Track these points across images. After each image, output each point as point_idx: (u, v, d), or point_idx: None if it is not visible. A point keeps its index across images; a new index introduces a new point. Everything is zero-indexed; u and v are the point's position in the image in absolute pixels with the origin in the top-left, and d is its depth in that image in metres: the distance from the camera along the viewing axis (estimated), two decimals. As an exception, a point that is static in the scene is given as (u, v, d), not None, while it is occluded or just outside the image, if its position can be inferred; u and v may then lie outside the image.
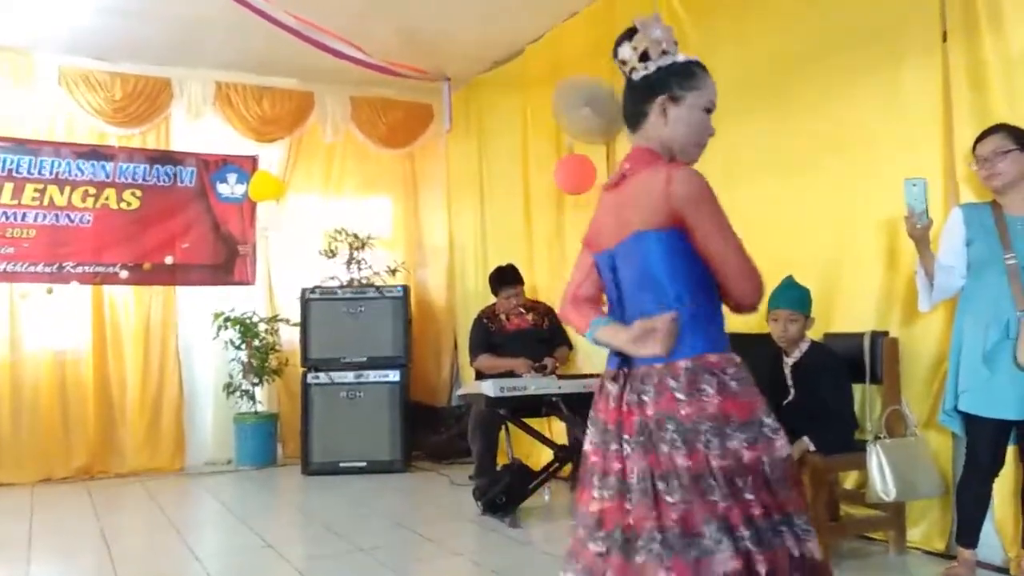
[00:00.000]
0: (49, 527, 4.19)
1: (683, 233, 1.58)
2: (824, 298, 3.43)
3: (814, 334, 3.35)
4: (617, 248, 1.68)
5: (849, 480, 3.50)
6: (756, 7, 3.91)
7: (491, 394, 3.99)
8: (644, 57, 1.67)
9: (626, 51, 1.69)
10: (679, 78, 1.65)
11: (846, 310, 3.49)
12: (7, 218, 5.35)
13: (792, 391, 3.30)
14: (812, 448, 3.07)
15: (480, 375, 4.76)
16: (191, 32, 5.15)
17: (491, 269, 6.01)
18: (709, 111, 1.67)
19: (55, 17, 4.88)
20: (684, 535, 1.46)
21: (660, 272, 1.60)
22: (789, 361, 3.32)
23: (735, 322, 3.84)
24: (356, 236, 5.93)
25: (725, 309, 1.66)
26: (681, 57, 1.68)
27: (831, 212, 3.55)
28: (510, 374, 4.40)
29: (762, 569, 1.43)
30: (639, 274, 1.64)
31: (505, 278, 4.88)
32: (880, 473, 2.95)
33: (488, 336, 4.83)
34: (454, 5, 4.87)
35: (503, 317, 4.87)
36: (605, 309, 1.80)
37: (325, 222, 6.03)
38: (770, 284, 3.27)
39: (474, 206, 6.29)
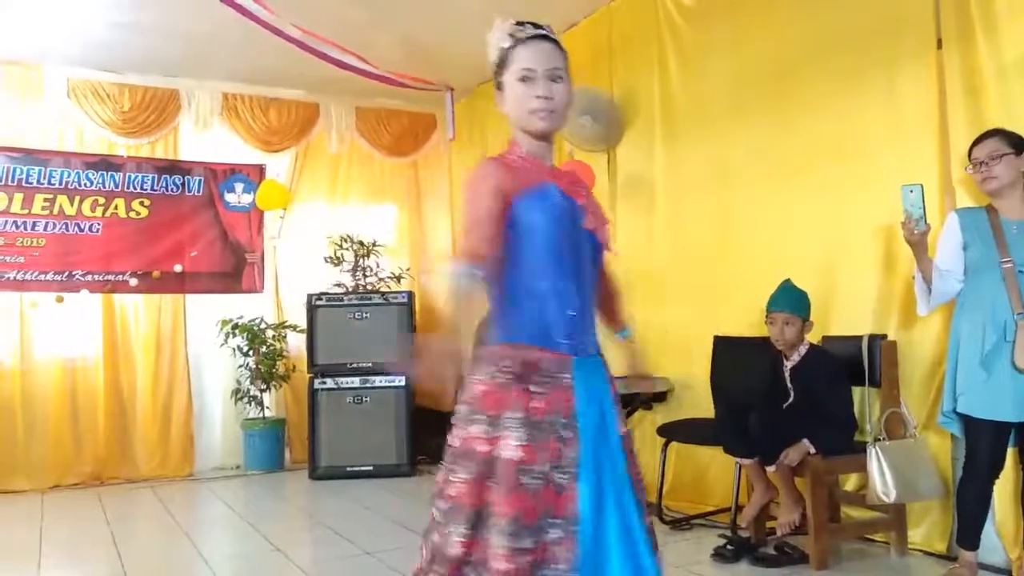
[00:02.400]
0: (60, 533, 4.24)
1: None
2: (822, 302, 3.47)
3: (813, 338, 3.39)
4: None
5: (849, 482, 3.53)
6: (752, 13, 3.96)
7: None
8: (493, 66, 1.75)
9: (491, 68, 1.77)
10: (496, 68, 1.74)
11: (844, 314, 3.53)
12: (17, 227, 5.43)
13: (792, 394, 3.34)
14: (812, 450, 3.11)
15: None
16: (199, 44, 5.22)
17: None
18: (525, 79, 1.69)
19: (65, 30, 4.96)
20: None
21: None
22: (788, 364, 3.36)
23: (734, 326, 3.91)
24: (361, 243, 6.01)
25: None
26: (506, 44, 1.71)
27: (828, 217, 3.59)
28: None
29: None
30: None
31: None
32: (880, 475, 2.99)
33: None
34: (456, 16, 4.92)
35: None
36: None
37: (331, 230, 6.10)
38: (769, 288, 3.35)
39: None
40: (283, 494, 5.29)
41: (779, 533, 3.28)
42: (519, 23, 1.72)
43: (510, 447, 1.60)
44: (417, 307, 5.98)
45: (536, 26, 1.73)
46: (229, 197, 6.04)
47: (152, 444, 5.69)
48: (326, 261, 5.92)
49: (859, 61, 3.45)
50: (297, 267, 6.19)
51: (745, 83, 4.00)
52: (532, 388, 1.63)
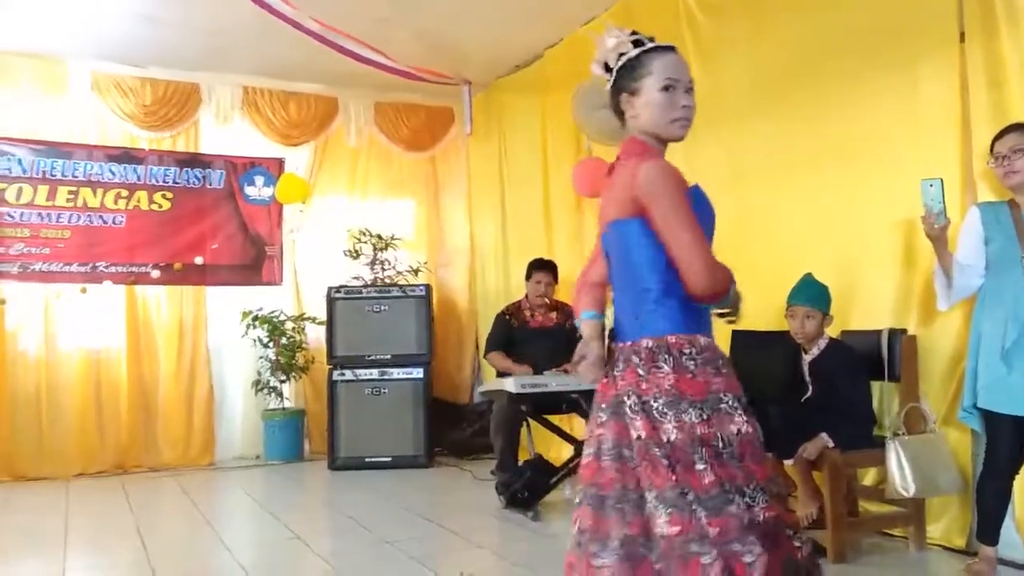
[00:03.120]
0: (85, 521, 4.31)
1: (647, 222, 1.71)
2: (842, 296, 3.46)
3: (832, 332, 3.39)
4: (605, 234, 1.85)
5: (868, 476, 3.53)
6: (771, 7, 3.95)
7: (513, 390, 4.06)
8: (607, 68, 1.82)
9: (596, 69, 1.85)
10: (631, 73, 1.78)
11: (864, 308, 3.52)
12: (42, 219, 5.51)
13: (810, 387, 3.35)
14: (831, 444, 3.11)
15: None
16: (219, 39, 5.27)
17: (511, 270, 6.12)
18: (669, 88, 1.75)
19: (88, 25, 5.02)
20: (638, 496, 1.66)
21: (632, 257, 1.76)
22: (807, 358, 3.36)
23: (752, 320, 3.90)
24: (380, 237, 6.04)
25: None
26: (633, 52, 1.79)
27: (848, 211, 3.58)
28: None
29: (712, 531, 1.57)
30: (619, 258, 1.81)
31: (543, 263, 4.89)
32: (899, 469, 2.99)
33: (508, 332, 4.86)
34: (474, 11, 4.95)
35: (527, 313, 4.89)
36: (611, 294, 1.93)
37: (350, 223, 6.15)
38: (788, 283, 3.35)
39: (494, 207, 6.37)
40: (303, 484, 5.35)
41: (796, 527, 3.29)
42: (636, 32, 1.80)
43: (743, 423, 1.71)
44: (434, 300, 6.01)
45: (650, 39, 1.81)
46: (249, 190, 6.10)
47: (174, 434, 5.77)
48: (345, 254, 5.96)
49: (880, 55, 3.44)
50: (316, 260, 6.24)
51: (764, 78, 3.99)
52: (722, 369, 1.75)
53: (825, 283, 3.33)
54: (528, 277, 4.90)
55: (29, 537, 4.00)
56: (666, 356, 1.70)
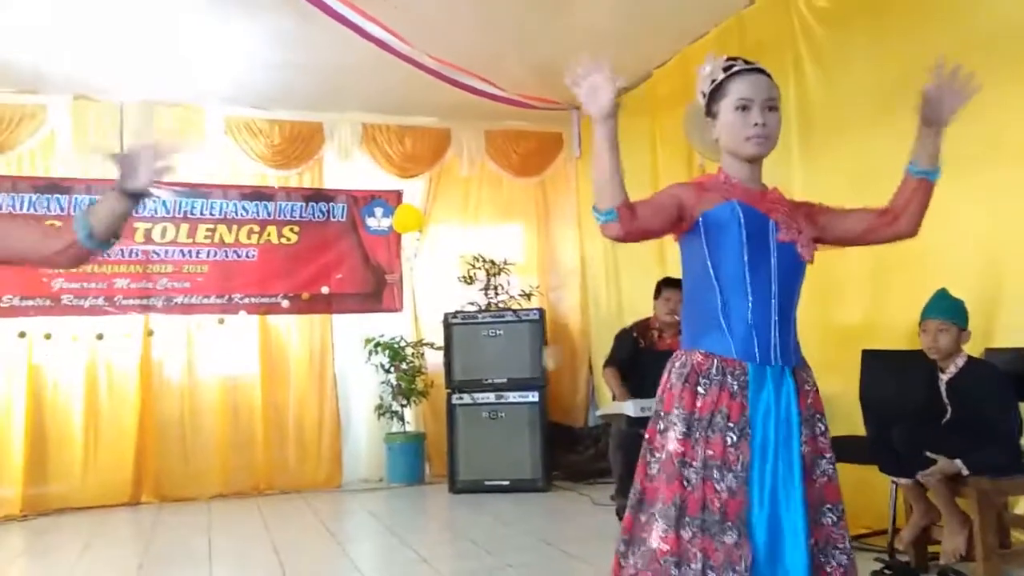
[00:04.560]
0: (227, 539, 4.57)
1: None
2: (984, 313, 3.27)
3: (974, 350, 3.20)
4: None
5: (1020, 505, 3.29)
6: (892, 13, 3.81)
7: (632, 414, 4.04)
8: (704, 95, 1.90)
9: (698, 98, 1.92)
10: (713, 97, 1.86)
11: (1009, 324, 3.31)
12: (183, 255, 5.93)
13: (948, 409, 3.17)
14: (965, 471, 2.93)
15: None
16: (340, 79, 5.56)
17: (623, 291, 6.10)
18: (742, 107, 1.81)
19: (222, 74, 5.41)
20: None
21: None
22: (944, 377, 3.19)
23: (885, 339, 3.73)
24: (492, 262, 6.16)
25: None
26: (721, 76, 1.85)
27: (990, 221, 3.38)
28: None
29: None
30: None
31: (671, 281, 4.66)
32: (1056, 497, 2.78)
33: (633, 351, 4.72)
34: (582, 35, 5.00)
35: (655, 333, 4.74)
36: None
37: (463, 250, 6.31)
38: (922, 298, 3.19)
39: (605, 231, 6.36)
40: (425, 507, 5.48)
41: (943, 561, 3.10)
42: (731, 58, 1.87)
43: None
44: (548, 323, 6.06)
45: (748, 62, 1.86)
46: (370, 221, 6.36)
47: (304, 457, 6.05)
48: (459, 280, 6.12)
49: (1013, 57, 3.25)
50: (433, 287, 6.43)
51: (888, 86, 3.84)
52: (699, 389, 1.78)
53: (965, 297, 3.15)
54: (657, 295, 4.75)
55: (178, 554, 4.28)
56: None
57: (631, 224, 1.71)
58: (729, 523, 1.69)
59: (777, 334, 1.80)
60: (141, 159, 1.75)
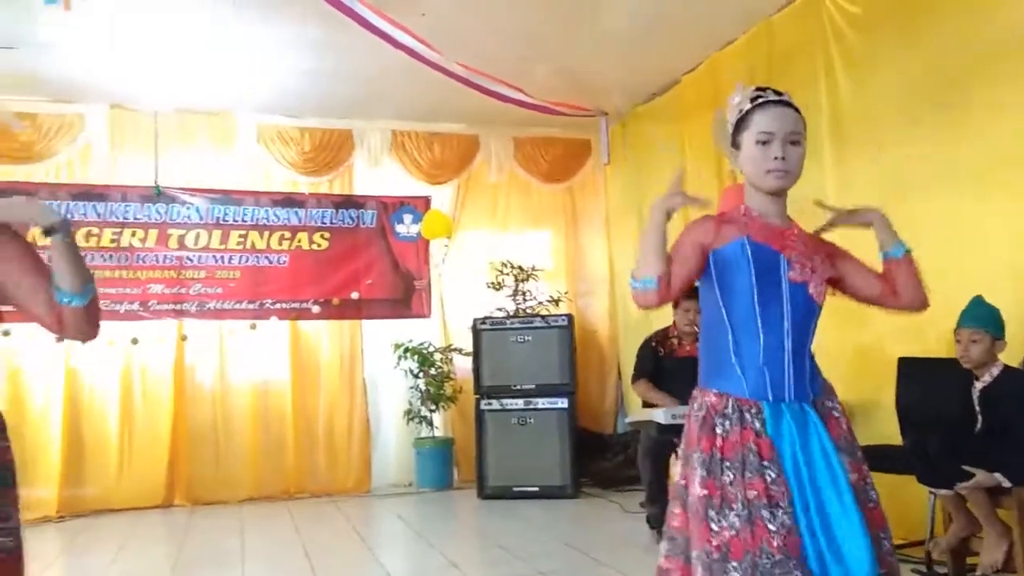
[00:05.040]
0: (259, 542, 4.62)
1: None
2: (1021, 321, 3.21)
3: (1012, 360, 3.15)
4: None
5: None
6: (924, 16, 3.76)
7: (662, 421, 4.02)
8: (731, 125, 1.89)
9: (728, 128, 1.92)
10: (738, 127, 1.86)
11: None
12: (216, 261, 6.01)
13: (980, 418, 3.11)
14: (1007, 483, 2.88)
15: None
16: (370, 87, 5.61)
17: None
18: (764, 141, 1.80)
19: (254, 82, 5.48)
20: None
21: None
22: (978, 386, 3.13)
23: (920, 347, 3.68)
24: (521, 268, 6.17)
25: None
26: (748, 107, 1.84)
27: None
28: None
29: None
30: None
31: (690, 291, 4.73)
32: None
33: (656, 361, 4.75)
34: (610, 42, 5.01)
35: (675, 341, 4.78)
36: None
37: (492, 256, 6.32)
38: (958, 306, 3.15)
39: (633, 236, 6.35)
40: (454, 512, 5.50)
41: (980, 572, 3.05)
42: (760, 89, 1.85)
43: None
44: (576, 330, 6.05)
45: (777, 93, 1.85)
46: (399, 228, 6.40)
47: (334, 461, 6.10)
48: (488, 286, 6.13)
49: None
50: (461, 292, 6.45)
51: (920, 90, 3.79)
52: (717, 430, 1.77)
53: (1001, 305, 3.10)
54: (676, 305, 4.78)
55: (211, 556, 4.34)
56: None
57: (667, 293, 1.78)
58: (793, 562, 1.64)
59: (791, 372, 1.79)
60: (17, 203, 1.64)
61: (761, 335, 1.79)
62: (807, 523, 1.68)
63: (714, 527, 1.68)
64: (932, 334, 3.55)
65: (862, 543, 1.66)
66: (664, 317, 5.01)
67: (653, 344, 4.80)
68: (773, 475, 1.70)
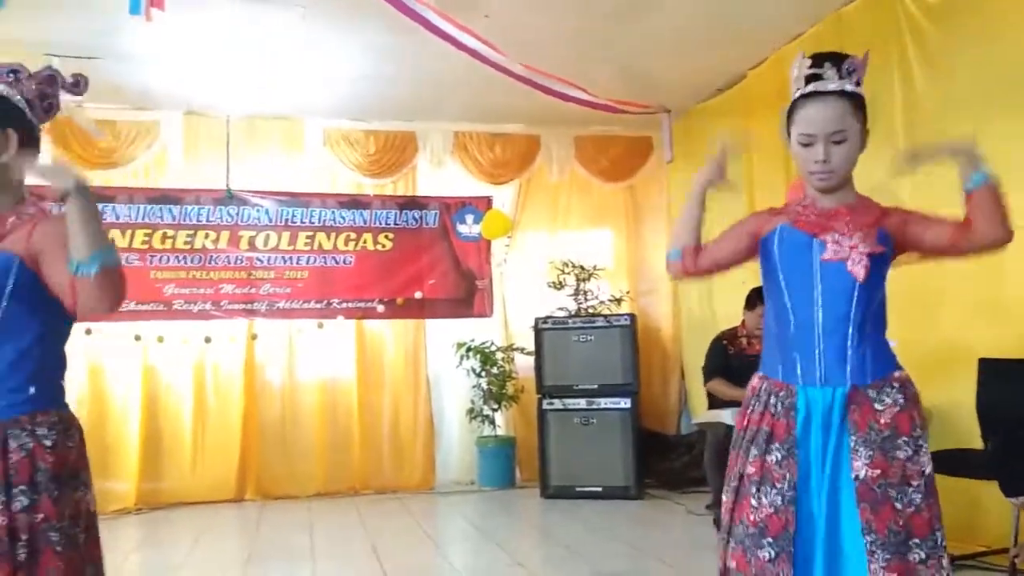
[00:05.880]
0: (328, 537, 4.72)
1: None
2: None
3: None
4: None
5: None
6: (1004, 7, 3.62)
7: (730, 422, 3.96)
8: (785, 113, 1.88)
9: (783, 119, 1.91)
10: (788, 118, 1.84)
11: None
12: (285, 262, 6.16)
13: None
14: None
15: (712, 399, 4.72)
16: (433, 89, 5.67)
17: (716, 296, 5.99)
18: (805, 144, 1.78)
19: (321, 87, 5.60)
20: None
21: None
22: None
23: (1004, 347, 3.54)
24: (582, 267, 6.16)
25: None
26: (796, 95, 1.81)
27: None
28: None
29: None
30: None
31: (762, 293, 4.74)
32: None
33: (726, 359, 4.74)
34: (673, 39, 4.96)
35: (744, 340, 4.74)
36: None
37: (552, 255, 6.33)
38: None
39: (697, 234, 6.26)
40: (517, 511, 5.52)
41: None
42: (817, 63, 1.78)
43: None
44: (639, 329, 6.01)
45: (836, 62, 1.78)
46: (461, 228, 6.46)
47: (399, 458, 6.19)
48: (549, 286, 6.14)
49: None
50: (522, 292, 6.48)
51: (998, 83, 3.65)
52: (748, 410, 1.88)
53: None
54: (752, 307, 4.69)
55: (283, 550, 4.45)
56: None
57: (691, 266, 1.90)
58: (768, 539, 1.71)
59: (824, 355, 1.78)
60: (47, 167, 1.60)
61: (792, 319, 1.82)
62: (816, 514, 1.73)
63: (723, 498, 1.87)
64: (1013, 335, 3.43)
65: (859, 553, 1.69)
66: (730, 317, 4.96)
67: (723, 342, 4.81)
68: (778, 456, 1.76)
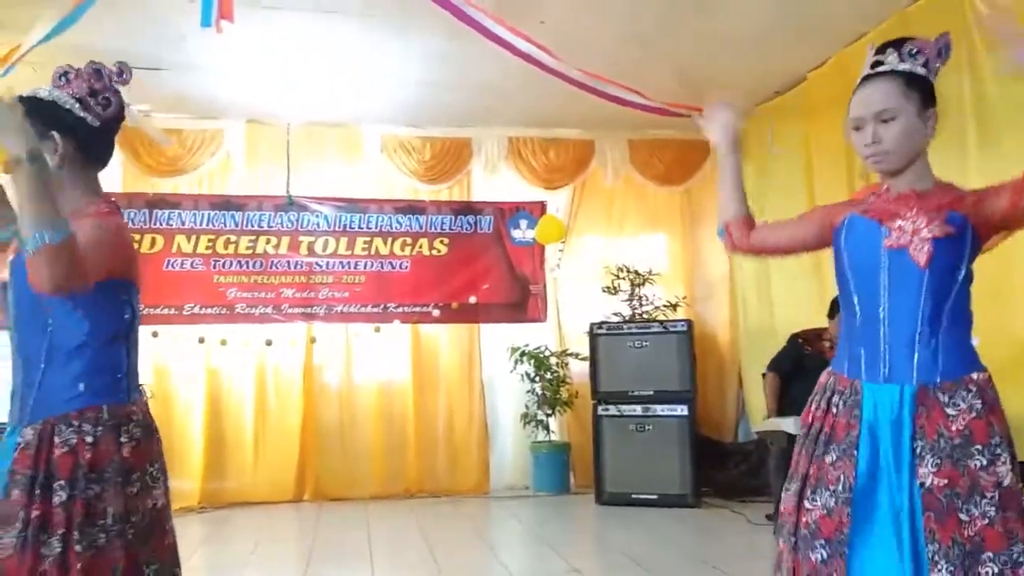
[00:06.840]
0: (385, 539, 4.77)
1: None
2: None
3: None
4: None
5: None
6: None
7: (791, 431, 3.89)
8: None
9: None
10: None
11: None
12: (343, 267, 6.27)
13: None
14: None
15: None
16: (488, 95, 5.70)
17: (775, 302, 5.88)
18: (856, 128, 1.76)
19: (378, 95, 5.68)
20: None
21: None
22: None
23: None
24: (637, 272, 6.12)
25: None
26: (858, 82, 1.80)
27: None
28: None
29: None
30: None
31: None
32: None
33: (798, 357, 4.65)
34: (730, 40, 4.90)
35: (827, 344, 4.62)
36: None
37: (607, 260, 6.30)
38: None
39: (757, 239, 6.17)
40: (572, 517, 5.50)
41: None
42: (881, 50, 1.77)
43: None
44: (695, 335, 5.93)
45: (897, 45, 1.75)
46: (515, 233, 6.48)
47: (454, 462, 6.23)
48: (603, 291, 6.11)
49: None
50: (576, 297, 6.46)
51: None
52: (812, 406, 1.82)
53: None
54: (832, 315, 4.52)
55: (342, 551, 4.52)
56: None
57: (740, 240, 1.92)
58: (820, 541, 1.67)
59: (889, 349, 1.69)
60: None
61: (858, 311, 1.76)
62: (880, 518, 1.67)
63: (782, 496, 1.83)
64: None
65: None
66: (790, 325, 4.85)
67: (800, 340, 4.71)
68: (834, 457, 1.71)
